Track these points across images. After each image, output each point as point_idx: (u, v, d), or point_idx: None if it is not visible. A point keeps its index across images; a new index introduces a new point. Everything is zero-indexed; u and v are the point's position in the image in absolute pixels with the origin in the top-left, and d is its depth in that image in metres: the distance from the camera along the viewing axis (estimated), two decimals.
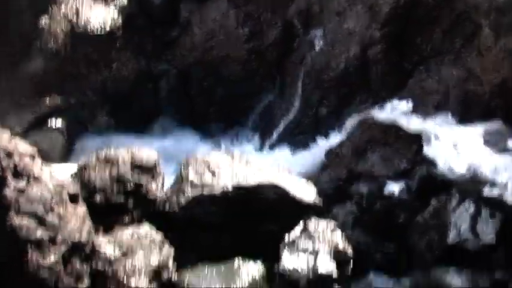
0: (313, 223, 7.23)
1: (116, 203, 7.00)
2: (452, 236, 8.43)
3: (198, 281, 6.73)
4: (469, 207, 8.54)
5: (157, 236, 6.87)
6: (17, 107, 10.99)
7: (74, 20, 11.68)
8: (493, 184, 8.77)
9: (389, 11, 10.90)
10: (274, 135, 12.52)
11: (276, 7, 12.62)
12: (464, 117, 10.04)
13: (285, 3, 12.55)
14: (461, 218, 8.50)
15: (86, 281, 6.15)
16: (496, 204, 8.54)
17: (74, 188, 6.41)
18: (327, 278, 6.87)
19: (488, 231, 8.32)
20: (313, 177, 9.74)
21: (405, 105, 10.43)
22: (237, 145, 12.60)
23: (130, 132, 12.57)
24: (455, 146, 9.40)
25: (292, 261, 6.90)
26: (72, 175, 7.17)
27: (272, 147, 12.29)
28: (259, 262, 7.02)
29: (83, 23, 11.85)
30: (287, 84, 12.78)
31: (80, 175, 7.11)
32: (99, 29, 12.04)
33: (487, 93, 9.93)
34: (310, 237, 7.08)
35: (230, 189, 7.23)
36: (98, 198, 6.96)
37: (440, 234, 8.55)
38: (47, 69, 11.34)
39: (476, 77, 10.15)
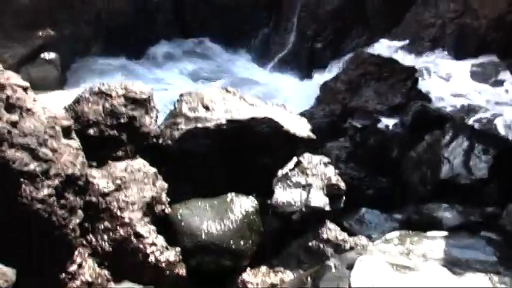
0: (307, 157, 7.23)
1: (109, 137, 6.99)
2: (445, 171, 8.46)
3: (191, 215, 6.76)
4: (462, 142, 8.55)
5: (151, 170, 6.88)
6: (9, 40, 10.90)
7: None
8: (486, 117, 8.79)
9: None
10: (270, 68, 12.53)
11: None
12: (460, 51, 10.02)
13: None
14: (454, 152, 8.52)
15: (80, 214, 6.17)
16: (489, 139, 8.55)
17: (67, 121, 6.37)
18: (319, 212, 6.90)
19: (480, 166, 8.35)
20: (308, 111, 9.78)
21: (401, 40, 10.40)
22: (233, 76, 12.65)
23: (124, 62, 12.61)
24: (450, 80, 9.39)
25: (285, 195, 6.93)
26: (65, 108, 7.14)
27: (267, 79, 12.32)
28: (252, 196, 7.04)
29: None
30: (283, 18, 12.73)
31: (74, 108, 7.08)
32: None
33: (483, 27, 9.89)
34: (304, 171, 7.10)
35: (224, 122, 7.21)
36: (92, 131, 6.94)
37: (433, 169, 8.58)
38: (39, 1, 11.20)
39: (473, 10, 10.09)
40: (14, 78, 6.11)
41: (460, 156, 8.48)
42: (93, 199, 6.45)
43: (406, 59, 10.15)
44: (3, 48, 10.69)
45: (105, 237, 6.37)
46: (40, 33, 11.35)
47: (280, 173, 7.13)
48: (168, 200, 6.83)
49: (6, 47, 10.78)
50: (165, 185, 6.88)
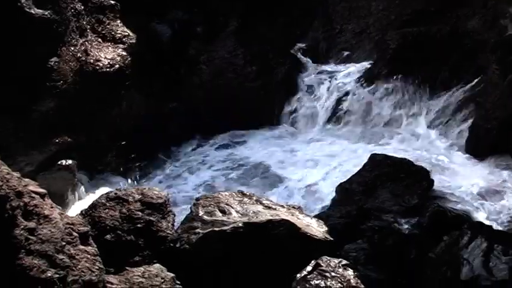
0: (325, 260, 7.18)
1: (126, 242, 6.98)
2: (465, 272, 8.35)
3: None
4: (481, 242, 8.48)
5: (169, 275, 6.83)
6: (26, 147, 10.98)
7: (83, 59, 11.72)
8: (504, 217, 8.76)
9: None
10: None
11: None
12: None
13: None
14: (473, 253, 8.43)
15: None
16: (508, 239, 8.49)
17: (84, 227, 6.38)
18: None
19: (501, 267, 8.24)
20: (324, 213, 9.76)
21: None
22: None
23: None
24: (467, 180, 9.43)
25: None
26: (82, 213, 7.16)
27: None
28: None
29: (92, 62, 11.89)
30: None
31: (91, 214, 7.11)
32: (108, 68, 12.07)
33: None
34: (322, 274, 7.03)
35: (241, 225, 7.20)
36: (109, 236, 6.95)
37: (453, 270, 8.48)
38: (56, 109, 11.33)
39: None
40: (31, 185, 6.15)
41: (480, 257, 8.38)
42: None
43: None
44: (20, 155, 10.76)
45: None
46: (57, 140, 11.42)
47: (298, 276, 7.06)
48: None
49: (23, 154, 10.85)
50: None
